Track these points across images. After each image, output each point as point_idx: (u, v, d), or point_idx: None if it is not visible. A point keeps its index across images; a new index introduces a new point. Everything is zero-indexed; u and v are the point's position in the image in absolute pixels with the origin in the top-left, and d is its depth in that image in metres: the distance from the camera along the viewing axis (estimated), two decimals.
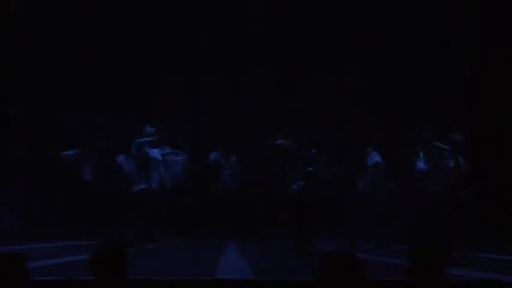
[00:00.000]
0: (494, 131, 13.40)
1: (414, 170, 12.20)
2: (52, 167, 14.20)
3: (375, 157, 12.23)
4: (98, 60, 14.74)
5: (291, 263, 8.06)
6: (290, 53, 14.92)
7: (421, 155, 12.34)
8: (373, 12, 14.32)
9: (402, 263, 3.77)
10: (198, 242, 11.96)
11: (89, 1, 14.89)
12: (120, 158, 12.67)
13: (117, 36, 14.89)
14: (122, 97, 14.79)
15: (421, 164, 12.25)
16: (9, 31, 14.50)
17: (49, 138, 14.37)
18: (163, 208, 11.96)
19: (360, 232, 11.49)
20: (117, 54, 14.81)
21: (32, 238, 12.14)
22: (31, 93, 14.58)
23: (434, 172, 11.79)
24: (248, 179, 14.34)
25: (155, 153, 11.93)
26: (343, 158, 12.70)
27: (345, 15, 14.56)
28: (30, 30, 14.70)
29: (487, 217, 12.04)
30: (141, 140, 11.66)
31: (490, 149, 13.35)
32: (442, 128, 12.89)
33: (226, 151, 14.07)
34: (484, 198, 12.55)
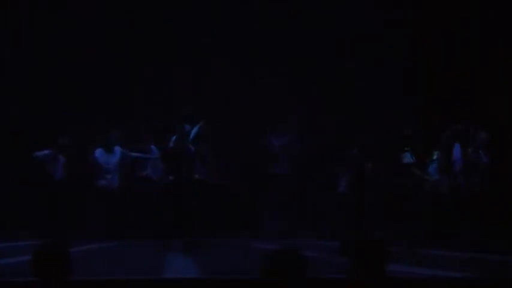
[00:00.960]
0: (495, 131, 13.32)
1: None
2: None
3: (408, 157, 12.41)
4: (98, 60, 14.75)
5: (241, 262, 8.02)
6: (290, 53, 14.91)
7: (434, 157, 12.39)
8: (372, 12, 14.27)
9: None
10: (148, 241, 11.89)
11: (89, 1, 14.89)
12: (98, 153, 12.79)
13: (117, 36, 14.90)
14: (121, 97, 14.80)
15: (433, 168, 12.34)
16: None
17: (49, 138, 14.37)
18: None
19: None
20: (117, 54, 14.81)
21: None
22: (31, 93, 14.60)
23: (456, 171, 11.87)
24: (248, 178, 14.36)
25: None
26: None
27: (345, 15, 14.53)
28: (30, 30, 14.72)
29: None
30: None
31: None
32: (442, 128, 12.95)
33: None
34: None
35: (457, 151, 12.14)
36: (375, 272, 3.62)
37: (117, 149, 12.96)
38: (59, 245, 3.83)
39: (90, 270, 5.97)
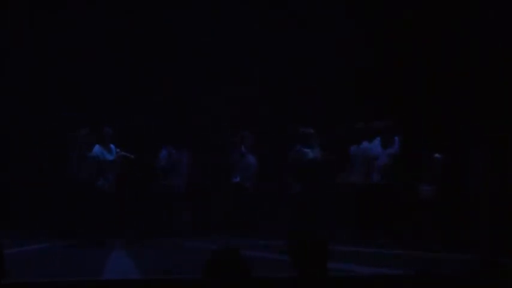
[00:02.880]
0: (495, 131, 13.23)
1: None
2: (51, 167, 14.32)
3: None
4: (98, 60, 14.77)
5: (182, 262, 8.00)
6: (290, 53, 14.88)
7: None
8: (371, 12, 14.22)
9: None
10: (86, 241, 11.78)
11: (89, 1, 14.91)
12: (97, 149, 12.72)
13: (117, 36, 14.91)
14: (121, 97, 14.81)
15: None
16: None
17: (49, 138, 14.43)
18: None
19: None
20: (117, 54, 14.83)
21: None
22: (31, 93, 14.64)
23: None
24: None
25: None
26: None
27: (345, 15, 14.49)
28: (30, 30, 14.75)
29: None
30: None
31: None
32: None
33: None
34: None
35: (376, 146, 12.11)
36: (315, 271, 3.61)
37: (113, 147, 12.94)
38: None
39: (28, 272, 5.95)
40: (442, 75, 13.65)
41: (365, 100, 13.85)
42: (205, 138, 14.85)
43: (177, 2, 15.09)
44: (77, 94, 14.75)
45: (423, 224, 11.53)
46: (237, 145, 13.62)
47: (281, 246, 8.26)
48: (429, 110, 13.55)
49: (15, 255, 8.51)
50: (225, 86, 14.88)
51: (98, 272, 6.25)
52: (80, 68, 14.69)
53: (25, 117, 14.53)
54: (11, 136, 14.44)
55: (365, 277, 5.21)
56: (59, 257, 8.95)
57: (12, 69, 14.52)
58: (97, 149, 12.74)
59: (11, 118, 14.41)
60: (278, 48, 14.93)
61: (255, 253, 7.41)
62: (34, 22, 14.76)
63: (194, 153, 14.12)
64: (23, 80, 14.62)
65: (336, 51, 14.45)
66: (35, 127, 14.57)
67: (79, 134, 12.84)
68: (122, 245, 11.10)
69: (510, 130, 12.38)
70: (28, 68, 14.65)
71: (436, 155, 12.10)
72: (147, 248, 10.98)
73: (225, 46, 15.00)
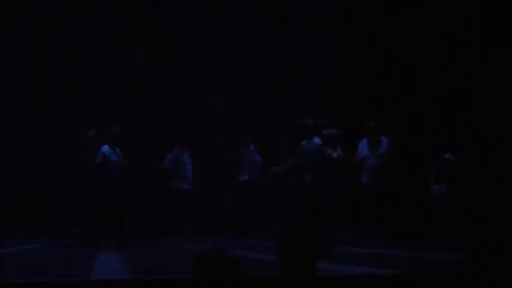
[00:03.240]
0: (495, 131, 13.23)
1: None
2: (51, 167, 14.33)
3: None
4: (98, 60, 14.77)
5: (181, 262, 7.98)
6: (290, 53, 14.88)
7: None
8: (371, 12, 14.21)
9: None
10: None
11: (89, 1, 14.91)
12: (106, 149, 12.60)
13: (117, 36, 14.91)
14: (121, 97, 14.81)
15: None
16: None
17: (49, 138, 14.44)
18: None
19: None
20: (117, 54, 14.82)
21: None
22: (31, 93, 14.64)
23: None
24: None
25: None
26: None
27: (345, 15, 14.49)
28: (30, 30, 14.75)
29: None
30: None
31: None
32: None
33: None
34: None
35: (364, 147, 12.08)
36: (303, 271, 3.60)
37: (117, 149, 12.84)
38: None
39: (19, 272, 5.93)
40: (442, 75, 13.65)
41: (365, 100, 13.87)
42: (205, 138, 14.84)
43: (177, 2, 15.09)
44: (77, 94, 14.74)
45: (423, 224, 11.52)
46: (241, 144, 13.64)
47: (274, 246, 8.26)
48: (429, 110, 13.56)
49: (15, 255, 8.50)
50: (225, 86, 14.88)
51: (97, 272, 6.25)
52: (80, 68, 14.69)
53: (25, 117, 14.53)
54: (11, 136, 14.42)
55: (363, 277, 5.21)
56: (58, 257, 8.92)
57: (12, 69, 14.53)
58: (106, 148, 12.65)
59: (11, 118, 14.41)
60: (278, 48, 14.93)
61: (255, 253, 7.43)
62: (34, 22, 14.76)
63: (194, 153, 14.08)
64: (23, 80, 14.61)
65: (336, 51, 14.45)
66: (35, 127, 14.56)
67: (88, 134, 12.76)
68: (121, 245, 11.08)
69: (510, 130, 12.41)
70: (28, 68, 14.65)
71: (447, 155, 12.08)
72: (147, 248, 10.98)
73: (225, 46, 15.00)
